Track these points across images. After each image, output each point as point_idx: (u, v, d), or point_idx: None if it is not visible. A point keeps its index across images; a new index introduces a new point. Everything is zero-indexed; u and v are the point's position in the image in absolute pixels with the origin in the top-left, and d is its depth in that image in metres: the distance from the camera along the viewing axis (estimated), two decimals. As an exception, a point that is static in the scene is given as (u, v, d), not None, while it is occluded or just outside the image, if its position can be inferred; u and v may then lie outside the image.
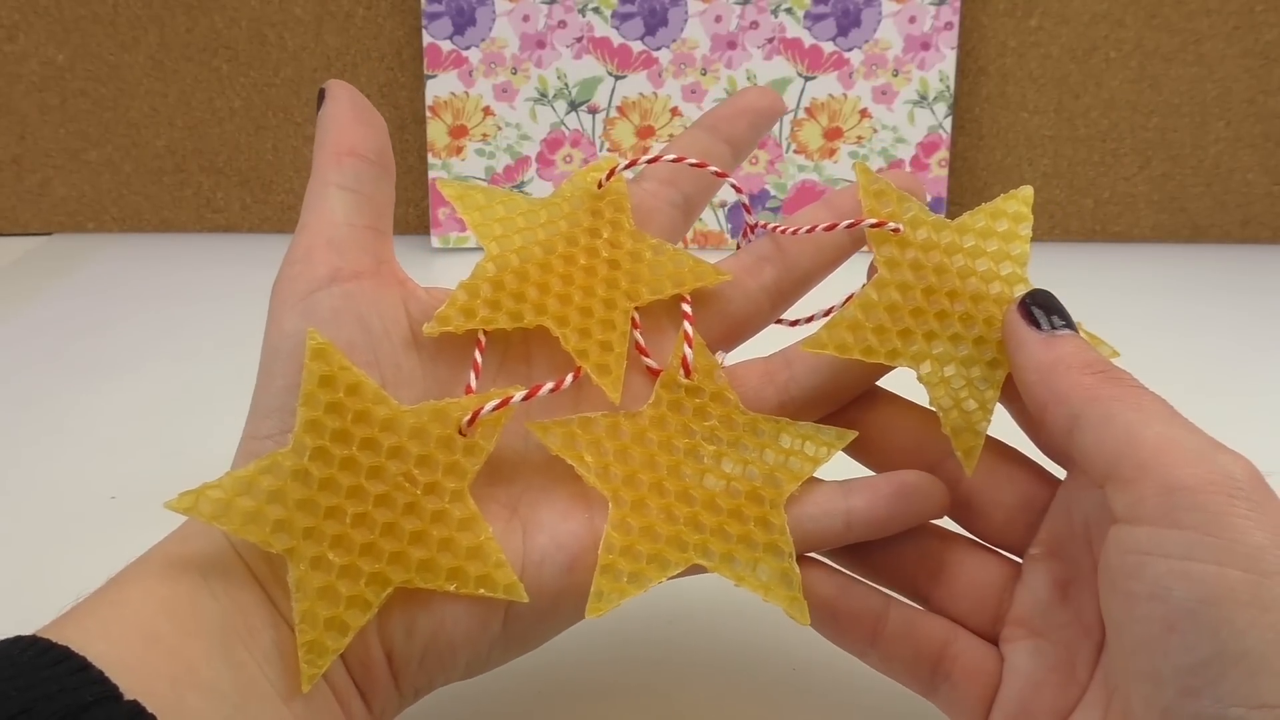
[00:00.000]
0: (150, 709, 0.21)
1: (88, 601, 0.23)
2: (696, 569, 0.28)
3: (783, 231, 0.30)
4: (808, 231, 0.30)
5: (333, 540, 0.25)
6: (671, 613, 0.36)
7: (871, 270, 0.30)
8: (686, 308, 0.29)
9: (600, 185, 0.30)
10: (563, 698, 0.32)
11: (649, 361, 0.29)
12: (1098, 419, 0.24)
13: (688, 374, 0.29)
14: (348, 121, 0.29)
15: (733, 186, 0.31)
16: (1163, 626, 0.21)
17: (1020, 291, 0.28)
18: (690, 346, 0.29)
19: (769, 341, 0.32)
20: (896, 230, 0.29)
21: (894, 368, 0.29)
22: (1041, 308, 0.27)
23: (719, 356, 0.30)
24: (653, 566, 0.27)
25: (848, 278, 0.32)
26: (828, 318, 0.31)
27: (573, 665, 0.33)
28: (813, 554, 0.29)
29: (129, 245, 0.70)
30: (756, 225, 0.32)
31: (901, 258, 0.29)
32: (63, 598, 0.24)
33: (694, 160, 0.31)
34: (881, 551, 0.29)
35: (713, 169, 0.31)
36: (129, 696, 0.21)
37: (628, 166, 0.30)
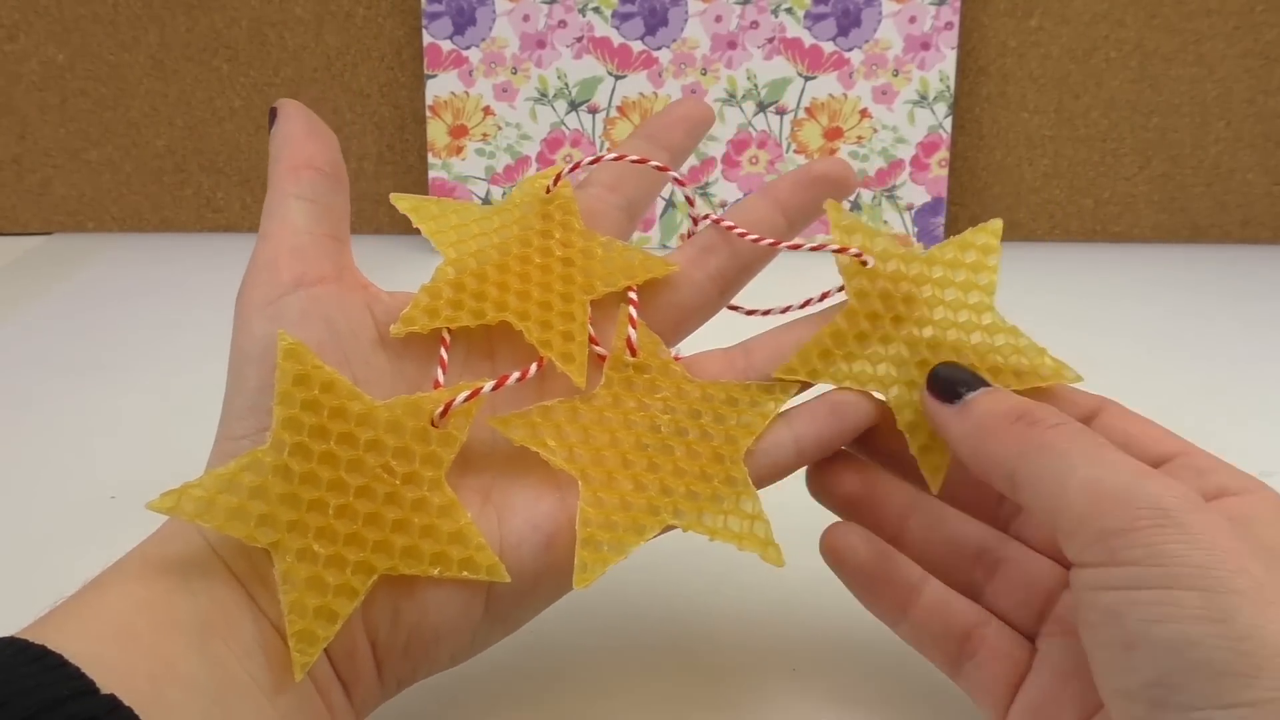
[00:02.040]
0: (129, 703, 0.21)
1: (66, 604, 0.24)
2: (670, 529, 0.29)
3: (740, 234, 0.32)
4: (771, 244, 0.31)
5: (317, 532, 0.25)
6: (671, 613, 0.36)
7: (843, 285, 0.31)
8: (633, 295, 0.31)
9: (548, 190, 0.31)
10: (561, 699, 0.32)
11: (599, 350, 0.30)
12: (1029, 477, 0.25)
13: (633, 353, 0.30)
14: (301, 137, 0.30)
15: (676, 180, 0.33)
16: (1122, 647, 0.22)
17: (987, 320, 0.30)
18: (634, 327, 0.30)
19: (737, 331, 0.33)
20: (866, 263, 0.30)
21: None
22: (946, 381, 0.29)
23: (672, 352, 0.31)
24: (630, 533, 0.28)
25: (803, 264, 0.33)
26: (785, 314, 0.33)
27: (571, 665, 0.33)
28: (854, 523, 0.30)
29: (129, 245, 0.70)
30: (705, 216, 0.33)
31: (871, 289, 0.31)
32: (62, 596, 0.24)
33: (635, 157, 0.32)
34: (941, 544, 0.30)
35: (654, 164, 0.32)
36: (106, 691, 0.21)
37: (572, 170, 0.32)
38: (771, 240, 0.32)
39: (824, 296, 0.33)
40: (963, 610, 0.29)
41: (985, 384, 0.28)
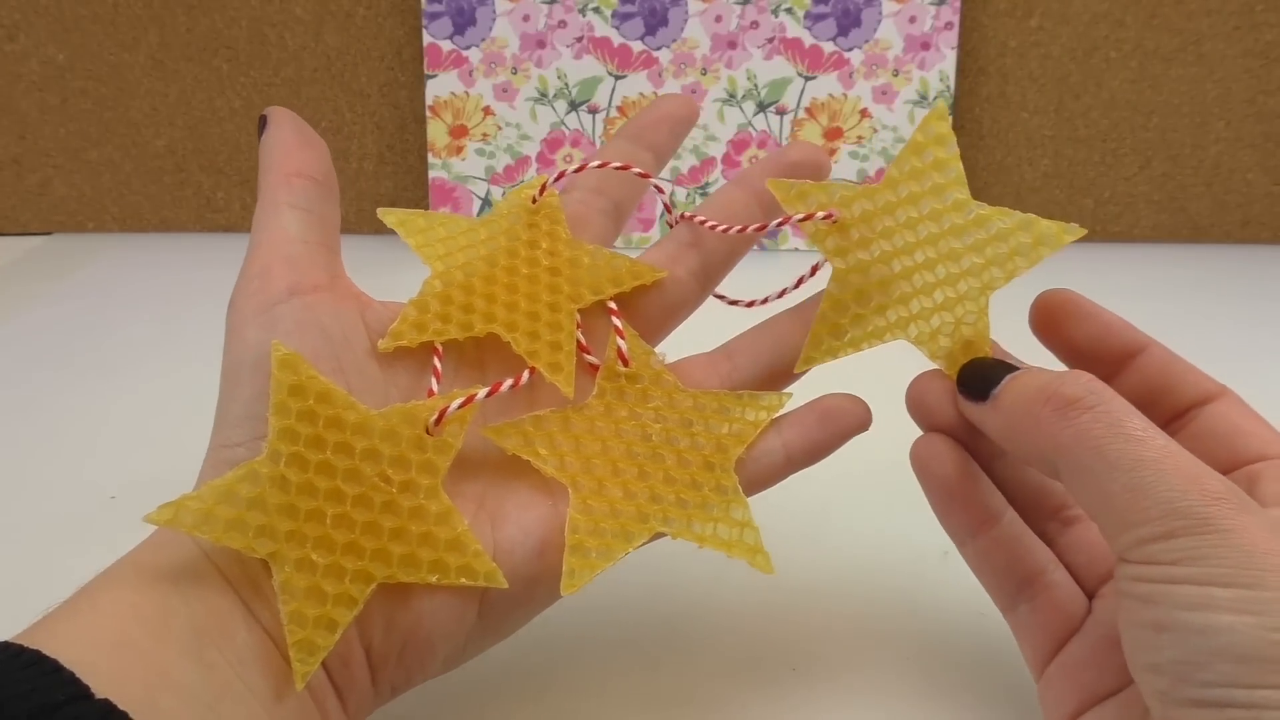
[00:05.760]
0: (123, 709, 0.21)
1: (59, 610, 0.24)
2: (660, 537, 0.29)
3: (711, 227, 0.31)
4: (739, 231, 0.31)
5: (315, 542, 0.25)
6: (670, 614, 0.36)
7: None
8: (612, 304, 0.31)
9: (534, 200, 0.31)
10: (559, 698, 0.32)
11: (590, 359, 0.30)
12: (1071, 472, 0.25)
13: (625, 363, 0.30)
14: (293, 144, 0.30)
15: (655, 188, 0.33)
16: (1153, 628, 0.23)
17: (972, 214, 0.29)
18: (623, 338, 0.30)
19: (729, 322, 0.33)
20: (829, 217, 0.30)
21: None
22: (974, 381, 0.28)
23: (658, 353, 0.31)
24: (618, 540, 0.28)
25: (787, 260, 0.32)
26: (781, 298, 0.33)
27: (568, 665, 0.33)
28: (948, 437, 0.29)
29: (129, 245, 0.70)
30: (682, 216, 0.33)
31: (847, 242, 0.30)
32: (62, 597, 0.24)
33: (619, 164, 0.32)
34: (1024, 489, 0.30)
35: (637, 170, 0.32)
36: (100, 696, 0.21)
37: (557, 179, 0.32)
38: (740, 227, 0.31)
39: (799, 283, 0.33)
40: (1035, 551, 0.29)
41: (1010, 369, 0.27)
